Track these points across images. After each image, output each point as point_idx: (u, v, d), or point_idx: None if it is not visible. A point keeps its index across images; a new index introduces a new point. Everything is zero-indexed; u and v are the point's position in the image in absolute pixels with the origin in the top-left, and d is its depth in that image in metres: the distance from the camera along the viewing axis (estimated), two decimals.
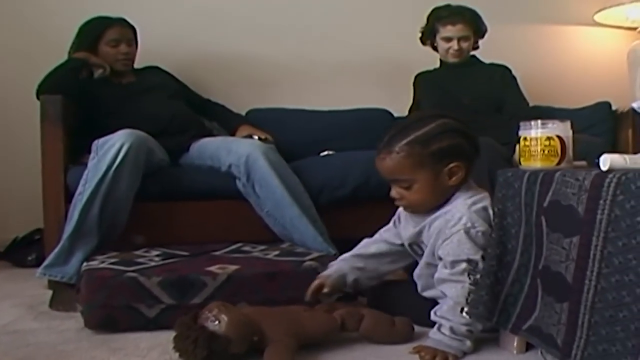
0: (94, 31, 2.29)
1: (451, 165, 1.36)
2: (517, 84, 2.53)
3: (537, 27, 3.11)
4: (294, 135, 2.52)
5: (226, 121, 2.47)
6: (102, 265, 1.57)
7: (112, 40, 2.28)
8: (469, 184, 1.44)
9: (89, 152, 2.03)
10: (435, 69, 2.64)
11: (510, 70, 2.55)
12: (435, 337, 1.30)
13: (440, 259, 1.38)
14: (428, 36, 2.58)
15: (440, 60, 2.61)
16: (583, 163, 1.36)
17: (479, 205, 1.39)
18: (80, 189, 1.84)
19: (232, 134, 2.32)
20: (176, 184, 2.03)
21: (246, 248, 1.82)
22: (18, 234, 2.47)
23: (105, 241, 1.82)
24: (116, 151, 1.80)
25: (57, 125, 1.96)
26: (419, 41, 2.62)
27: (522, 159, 1.31)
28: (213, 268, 1.55)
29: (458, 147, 1.37)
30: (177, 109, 2.27)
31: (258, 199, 1.94)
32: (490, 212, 1.37)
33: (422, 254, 1.49)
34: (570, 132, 1.28)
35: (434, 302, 1.41)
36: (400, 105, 2.73)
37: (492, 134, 2.33)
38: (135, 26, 2.40)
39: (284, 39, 2.88)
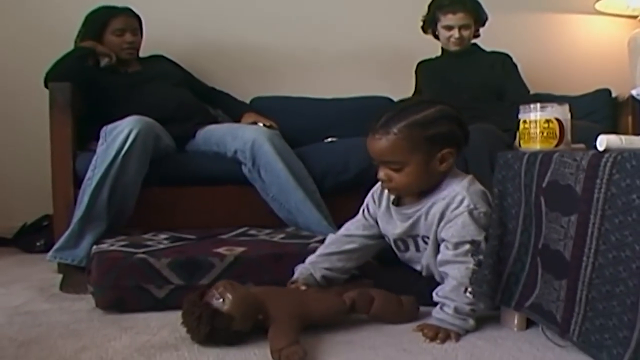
0: (100, 20, 2.32)
1: (444, 151, 1.38)
2: (517, 72, 2.55)
3: (538, 16, 3.14)
4: (297, 122, 2.55)
5: (231, 109, 2.50)
6: (112, 248, 1.61)
7: (117, 29, 2.31)
8: (455, 170, 1.46)
9: (97, 139, 2.07)
10: (436, 57, 2.66)
11: (511, 58, 2.57)
12: (438, 316, 1.34)
13: (443, 240, 1.40)
14: (429, 25, 2.60)
15: (442, 49, 2.63)
16: (581, 146, 1.39)
17: (477, 187, 1.42)
18: (89, 174, 1.87)
19: (237, 121, 2.35)
20: (183, 169, 2.06)
21: (252, 232, 1.86)
22: (27, 220, 2.51)
23: (114, 225, 1.86)
24: (125, 137, 1.84)
25: (66, 112, 1.99)
26: (420, 30, 2.64)
27: (521, 142, 1.34)
28: (221, 250, 1.59)
29: (452, 134, 1.39)
30: (183, 97, 2.31)
31: (263, 184, 1.97)
32: (488, 194, 1.41)
33: (406, 250, 1.52)
34: (569, 115, 1.31)
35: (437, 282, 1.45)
36: (402, 93, 2.72)
37: (493, 121, 2.36)
38: (140, 15, 2.42)
39: (286, 28, 2.91)
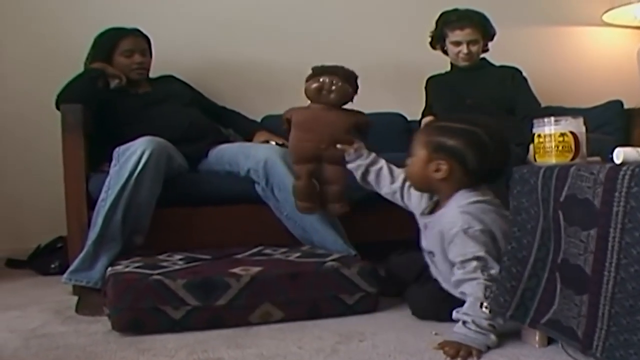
0: (108, 42, 2.35)
1: (441, 161, 1.45)
2: (528, 85, 2.55)
3: (546, 29, 3.15)
4: None
5: (242, 128, 2.51)
6: (127, 270, 1.61)
7: (126, 50, 2.34)
8: (475, 189, 1.48)
9: (109, 161, 2.08)
10: (446, 72, 2.67)
11: (521, 72, 2.57)
12: (460, 332, 1.34)
13: (453, 264, 1.43)
14: (437, 40, 2.61)
15: (451, 64, 2.63)
16: (597, 159, 1.39)
17: (475, 206, 1.44)
18: (102, 195, 1.88)
19: (249, 140, 2.36)
20: (196, 189, 2.06)
21: (267, 251, 1.85)
22: (41, 242, 2.52)
23: (128, 247, 1.86)
24: (137, 158, 1.84)
25: (78, 133, 2.00)
26: (428, 45, 2.65)
27: (536, 156, 1.33)
28: (236, 270, 1.58)
29: (457, 152, 1.43)
30: (194, 117, 2.32)
31: (277, 203, 1.97)
32: (485, 205, 1.44)
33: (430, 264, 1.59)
34: (584, 128, 1.31)
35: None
36: (411, 108, 2.77)
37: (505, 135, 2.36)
38: (149, 36, 2.45)
39: (295, 45, 2.92)
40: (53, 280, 2.21)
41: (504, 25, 2.60)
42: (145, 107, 2.29)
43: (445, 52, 2.61)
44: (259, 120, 2.67)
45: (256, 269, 1.59)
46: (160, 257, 1.79)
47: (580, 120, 1.31)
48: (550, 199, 1.25)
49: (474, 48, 2.51)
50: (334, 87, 1.79)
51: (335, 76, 1.79)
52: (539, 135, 1.32)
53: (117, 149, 1.94)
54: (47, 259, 2.39)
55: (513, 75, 2.56)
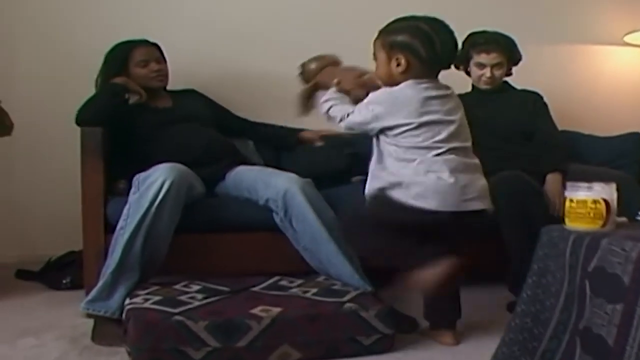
0: (121, 55, 2.32)
1: (397, 56, 1.63)
2: (548, 112, 2.53)
3: (565, 47, 3.11)
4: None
5: (282, 139, 2.53)
6: (147, 305, 1.62)
7: (141, 61, 2.31)
8: (424, 78, 1.64)
9: (124, 177, 2.08)
10: (466, 93, 2.61)
11: (542, 97, 2.55)
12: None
13: None
14: (462, 61, 2.57)
15: (472, 85, 2.61)
16: (624, 219, 1.38)
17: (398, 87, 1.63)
18: (121, 223, 1.87)
19: (300, 142, 2.47)
20: (214, 216, 2.06)
21: (283, 283, 1.86)
22: (51, 255, 2.51)
23: (146, 275, 1.86)
24: (158, 187, 1.84)
25: (97, 157, 2.00)
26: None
27: (567, 219, 1.33)
28: (257, 310, 1.59)
29: (409, 45, 1.62)
30: (212, 138, 2.29)
31: (295, 234, 1.97)
32: (406, 93, 1.62)
33: None
34: (615, 194, 1.30)
35: None
36: None
37: (521, 162, 2.35)
38: (165, 49, 2.41)
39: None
40: (65, 297, 2.23)
41: (524, 42, 2.54)
42: (164, 124, 2.27)
43: (468, 73, 2.58)
44: None
45: (276, 310, 1.60)
46: (177, 287, 1.80)
47: (613, 186, 1.30)
48: (577, 267, 1.24)
49: (497, 72, 2.48)
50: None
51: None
52: (571, 200, 1.31)
53: (137, 176, 1.93)
54: (58, 274, 2.38)
55: (534, 101, 2.53)
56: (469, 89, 2.60)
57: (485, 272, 2.35)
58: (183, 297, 1.68)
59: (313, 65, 2.03)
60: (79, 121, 2.11)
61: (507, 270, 2.08)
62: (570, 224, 1.32)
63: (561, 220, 1.37)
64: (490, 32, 2.50)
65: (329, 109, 1.77)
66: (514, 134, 2.46)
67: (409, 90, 1.62)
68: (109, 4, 2.75)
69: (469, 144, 1.71)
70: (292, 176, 2.02)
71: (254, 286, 1.81)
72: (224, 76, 2.81)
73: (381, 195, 1.63)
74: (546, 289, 1.33)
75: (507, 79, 2.57)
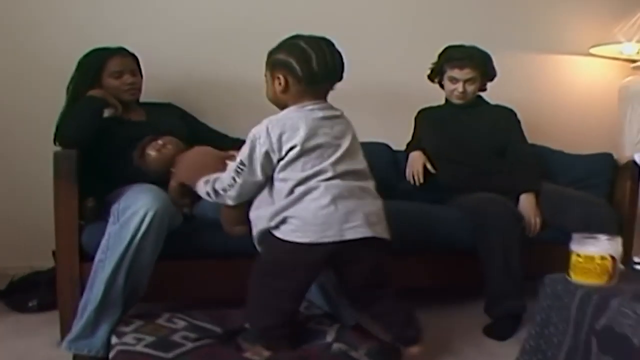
0: (95, 64, 2.19)
1: (279, 75, 1.58)
2: (520, 128, 2.56)
3: (533, 57, 3.15)
4: None
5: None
6: (139, 348, 1.56)
7: (115, 71, 2.18)
8: (315, 102, 1.59)
9: (91, 196, 1.97)
10: (439, 106, 2.63)
11: (515, 113, 2.58)
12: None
13: None
14: (436, 74, 2.58)
15: (446, 99, 2.61)
16: (622, 268, 1.41)
17: (279, 116, 1.58)
18: (100, 256, 1.78)
19: None
20: (193, 242, 1.97)
21: None
22: (6, 266, 2.41)
23: (128, 308, 1.78)
24: (140, 219, 1.75)
25: (72, 182, 1.87)
26: (423, 75, 2.61)
27: (572, 273, 1.35)
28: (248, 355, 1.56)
29: (286, 64, 1.57)
30: None
31: None
32: (291, 117, 1.56)
33: None
34: (621, 248, 1.33)
35: None
36: (397, 138, 2.71)
37: (494, 180, 2.39)
38: (138, 54, 2.29)
39: None
40: (34, 322, 2.13)
41: (491, 51, 2.53)
42: (137, 139, 2.12)
43: (442, 86, 2.58)
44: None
45: (265, 354, 1.57)
46: (162, 322, 1.76)
47: (619, 241, 1.32)
48: (584, 323, 1.27)
49: (470, 87, 2.49)
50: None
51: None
52: (578, 255, 1.33)
53: (115, 206, 1.83)
54: (24, 296, 2.25)
55: (508, 117, 2.57)
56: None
57: (459, 291, 2.41)
58: (174, 337, 1.63)
59: (153, 154, 1.99)
60: (61, 141, 1.99)
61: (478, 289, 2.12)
62: (576, 278, 1.33)
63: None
64: (466, 47, 2.50)
65: (213, 190, 1.66)
66: (487, 150, 2.49)
67: (294, 114, 1.56)
68: (80, 7, 2.59)
69: (361, 166, 1.62)
70: None
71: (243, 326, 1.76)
72: (200, 83, 2.72)
73: (264, 237, 1.59)
74: (548, 340, 1.35)
75: (481, 94, 2.59)
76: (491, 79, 2.55)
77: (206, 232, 2.00)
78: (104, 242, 1.79)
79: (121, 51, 2.23)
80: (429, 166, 2.50)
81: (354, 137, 1.64)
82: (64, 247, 1.89)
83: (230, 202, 1.63)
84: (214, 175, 1.66)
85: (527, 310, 2.05)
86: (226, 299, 1.96)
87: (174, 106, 2.44)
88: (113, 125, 2.14)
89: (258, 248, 1.65)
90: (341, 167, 1.53)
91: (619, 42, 2.90)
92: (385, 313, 1.64)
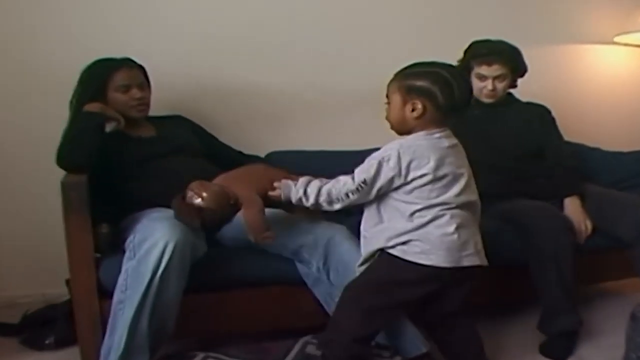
0: (99, 77, 2.02)
1: (414, 100, 1.57)
2: (557, 127, 2.41)
3: (555, 47, 2.99)
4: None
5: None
6: None
7: (121, 85, 2.02)
8: (430, 126, 1.60)
9: (105, 222, 1.82)
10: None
11: (549, 111, 2.42)
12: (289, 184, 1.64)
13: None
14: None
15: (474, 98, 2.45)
16: None
17: (411, 141, 1.57)
18: (119, 296, 1.63)
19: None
20: (220, 272, 1.81)
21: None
22: (17, 294, 2.30)
23: (155, 350, 1.64)
24: (160, 253, 1.59)
25: (84, 212, 1.71)
26: None
27: None
28: None
29: (428, 91, 1.57)
30: (207, 172, 2.04)
31: (331, 288, 1.76)
32: (421, 145, 1.56)
33: None
34: None
35: None
36: None
37: (535, 185, 2.24)
38: (144, 64, 2.14)
39: (295, 69, 2.65)
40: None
41: (516, 43, 2.38)
42: (149, 157, 1.99)
43: None
44: (261, 153, 2.44)
45: None
46: None
47: None
48: None
49: (499, 85, 2.33)
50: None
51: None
52: None
53: (130, 238, 1.68)
54: (39, 333, 2.10)
55: (542, 116, 2.41)
56: None
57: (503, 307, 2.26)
58: None
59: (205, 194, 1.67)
60: (62, 165, 1.84)
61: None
62: None
63: None
64: (493, 42, 2.34)
65: (317, 194, 1.62)
66: (524, 153, 2.33)
67: (424, 141, 1.57)
68: (82, 16, 2.41)
69: (475, 197, 1.65)
70: (333, 224, 1.80)
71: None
72: (208, 92, 2.55)
73: (382, 255, 1.58)
74: None
75: (511, 90, 2.43)
76: (522, 75, 2.39)
77: (235, 260, 1.85)
78: (121, 280, 1.64)
79: (128, 62, 2.07)
80: None
81: (469, 167, 1.67)
82: (81, 285, 1.73)
83: (325, 209, 1.63)
84: (322, 181, 1.64)
85: (583, 325, 1.92)
86: (261, 331, 1.84)
87: (184, 118, 2.29)
88: (120, 143, 1.98)
89: (359, 268, 1.63)
90: (462, 198, 1.58)
91: None
92: (463, 340, 1.66)
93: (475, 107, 2.43)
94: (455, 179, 1.58)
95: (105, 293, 1.73)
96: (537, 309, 1.99)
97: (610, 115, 3.04)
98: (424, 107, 1.57)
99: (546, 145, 2.34)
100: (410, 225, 1.53)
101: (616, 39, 2.94)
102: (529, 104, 2.44)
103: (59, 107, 2.05)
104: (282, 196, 1.64)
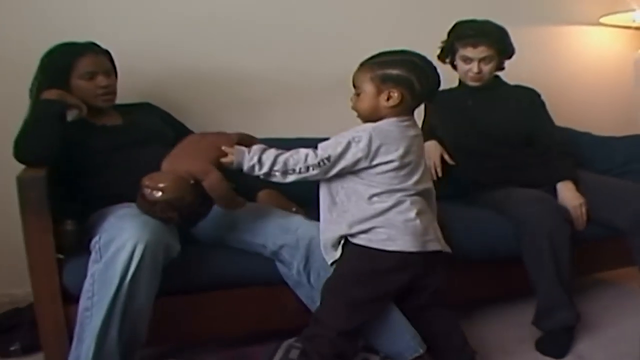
0: (62, 63, 1.86)
1: (392, 90, 1.53)
2: (547, 111, 2.31)
3: (540, 29, 2.90)
4: None
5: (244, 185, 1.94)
6: None
7: (86, 72, 1.86)
8: (402, 114, 1.57)
9: (69, 218, 1.67)
10: (452, 89, 2.34)
11: (539, 95, 2.32)
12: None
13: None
14: (447, 54, 2.30)
15: (460, 81, 2.34)
16: None
17: (384, 127, 1.53)
18: (85, 303, 1.48)
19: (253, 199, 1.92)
20: (198, 272, 1.67)
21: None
22: None
23: (127, 358, 1.49)
24: (129, 255, 1.44)
25: (43, 212, 1.56)
26: (431, 55, 2.31)
27: None
28: None
29: (405, 80, 1.54)
30: None
31: (312, 290, 1.64)
32: (392, 131, 1.52)
33: None
34: None
35: None
36: None
37: (529, 173, 2.15)
38: (103, 44, 1.97)
39: (272, 51, 2.50)
40: None
41: (501, 24, 2.25)
42: (116, 148, 1.84)
43: (455, 67, 2.31)
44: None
45: None
46: None
47: None
48: None
49: (485, 67, 2.22)
50: None
51: None
52: None
53: (95, 239, 1.52)
54: (4, 338, 1.95)
55: (531, 99, 2.31)
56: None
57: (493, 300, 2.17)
58: None
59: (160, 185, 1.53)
60: (21, 159, 1.68)
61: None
62: None
63: None
64: (478, 22, 2.23)
65: (272, 163, 1.53)
66: (515, 138, 2.23)
67: (394, 128, 1.55)
68: None
69: (431, 185, 1.65)
70: (315, 223, 1.66)
71: None
72: (180, 78, 2.39)
73: (349, 246, 1.54)
74: None
75: (498, 73, 2.32)
76: (509, 57, 2.28)
77: (211, 259, 1.71)
78: (87, 285, 1.49)
79: (92, 48, 1.91)
80: (446, 157, 2.21)
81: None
82: (43, 290, 1.59)
83: (276, 180, 1.54)
84: (279, 150, 1.55)
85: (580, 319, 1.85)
86: (242, 336, 1.71)
87: (152, 106, 2.13)
88: (83, 132, 1.83)
89: (329, 252, 1.57)
90: (422, 185, 1.57)
91: (632, 10, 2.67)
92: (444, 333, 1.62)
93: (460, 90, 2.33)
94: (416, 167, 1.56)
95: (71, 298, 1.58)
96: (531, 302, 1.90)
97: (596, 98, 2.97)
98: (402, 96, 1.54)
99: (537, 130, 2.24)
100: (371, 211, 1.51)
101: (602, 20, 2.86)
102: (517, 87, 2.34)
103: (16, 96, 1.89)
104: (234, 163, 1.54)
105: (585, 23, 2.91)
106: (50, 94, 1.78)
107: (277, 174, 1.52)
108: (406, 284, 1.55)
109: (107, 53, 1.96)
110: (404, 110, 1.57)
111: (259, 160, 1.52)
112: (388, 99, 1.54)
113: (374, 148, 1.50)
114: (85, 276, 1.52)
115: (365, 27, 2.59)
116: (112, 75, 1.95)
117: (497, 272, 1.99)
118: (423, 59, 1.59)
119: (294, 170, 1.51)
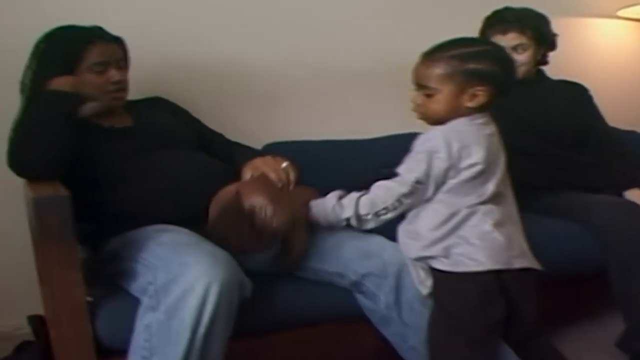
0: (67, 51, 1.50)
1: (478, 88, 1.32)
2: (597, 107, 2.15)
3: (557, 21, 2.74)
4: (323, 173, 1.90)
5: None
6: None
7: (96, 63, 1.52)
8: (482, 115, 1.37)
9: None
10: None
11: (587, 90, 2.15)
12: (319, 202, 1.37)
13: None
14: None
15: None
16: None
17: (459, 127, 1.33)
18: None
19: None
20: (271, 311, 1.36)
21: None
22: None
23: None
24: (200, 301, 1.11)
25: (68, 243, 1.20)
26: None
27: None
28: None
29: (493, 76, 1.33)
30: (214, 171, 1.56)
31: (404, 328, 1.35)
32: (468, 132, 1.33)
33: None
34: None
35: None
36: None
37: (585, 175, 1.98)
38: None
39: (284, 44, 2.23)
40: None
41: None
42: (131, 155, 1.50)
43: None
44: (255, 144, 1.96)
45: None
46: None
47: None
48: None
49: (520, 57, 1.99)
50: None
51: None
52: None
53: (148, 279, 1.19)
54: None
55: (580, 95, 2.14)
56: None
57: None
58: None
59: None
60: (20, 172, 1.35)
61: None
62: None
63: None
64: (513, 9, 2.03)
65: (359, 208, 1.34)
66: (566, 137, 2.04)
67: (469, 128, 1.34)
68: None
69: (507, 190, 1.43)
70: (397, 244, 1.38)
71: None
72: (190, 70, 2.08)
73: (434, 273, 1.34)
74: None
75: (543, 68, 2.13)
76: (550, 48, 2.08)
77: (276, 295, 1.40)
78: (140, 341, 1.15)
79: (101, 34, 1.56)
80: None
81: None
82: (70, 347, 1.22)
83: (366, 225, 1.34)
84: (350, 197, 1.36)
85: None
86: None
87: (165, 100, 1.80)
88: (88, 136, 1.48)
89: (422, 280, 1.35)
90: (497, 191, 1.35)
91: None
92: None
93: None
94: (494, 171, 1.36)
95: (107, 353, 1.24)
96: (609, 321, 1.71)
97: (613, 91, 2.85)
98: (489, 95, 1.33)
99: (589, 129, 2.07)
100: (442, 229, 1.31)
101: (620, 13, 2.77)
102: (562, 81, 2.16)
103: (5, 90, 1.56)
104: (318, 217, 1.38)
105: (603, 16, 2.80)
106: (62, 83, 1.43)
107: (368, 217, 1.33)
108: (504, 310, 1.33)
109: (118, 40, 1.61)
110: (480, 108, 1.36)
111: (339, 205, 1.35)
112: (472, 99, 1.33)
113: (455, 151, 1.30)
114: (128, 326, 1.19)
115: (385, 17, 2.35)
116: (124, 68, 1.61)
117: (574, 289, 1.79)
118: (502, 49, 1.44)
119: (387, 208, 1.32)
